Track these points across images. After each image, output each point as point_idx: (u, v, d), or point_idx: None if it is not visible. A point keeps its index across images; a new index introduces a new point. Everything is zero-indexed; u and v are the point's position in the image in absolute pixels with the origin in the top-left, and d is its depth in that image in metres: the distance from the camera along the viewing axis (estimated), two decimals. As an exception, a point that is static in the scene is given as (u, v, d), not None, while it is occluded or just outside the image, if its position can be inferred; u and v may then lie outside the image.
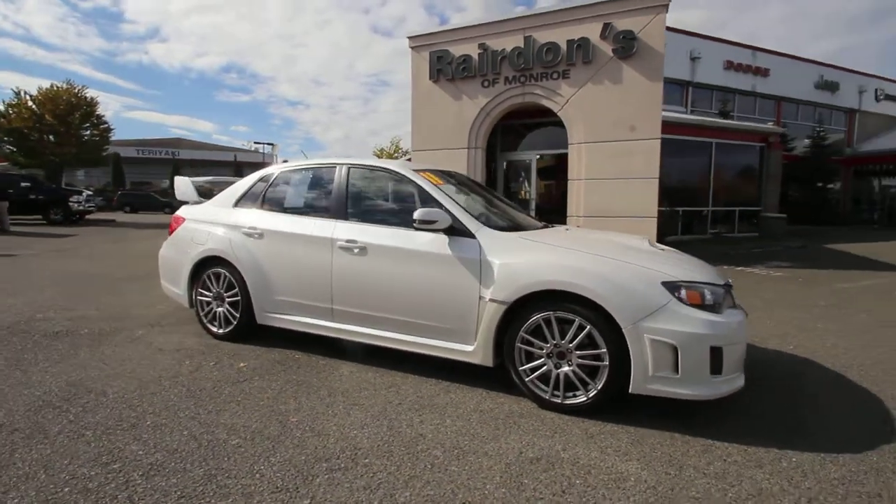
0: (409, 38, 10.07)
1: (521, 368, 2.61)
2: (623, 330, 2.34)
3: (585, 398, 2.47)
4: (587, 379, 2.47)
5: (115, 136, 27.74)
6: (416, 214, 2.76)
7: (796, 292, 6.26)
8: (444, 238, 2.82)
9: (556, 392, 2.53)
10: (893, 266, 8.74)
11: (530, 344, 2.58)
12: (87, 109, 24.94)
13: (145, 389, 2.73)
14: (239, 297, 3.52)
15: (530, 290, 2.51)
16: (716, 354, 2.30)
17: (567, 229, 3.41)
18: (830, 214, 20.17)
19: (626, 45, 8.13)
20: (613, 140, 8.44)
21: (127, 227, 16.81)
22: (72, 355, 3.28)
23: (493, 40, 9.21)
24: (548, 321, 2.52)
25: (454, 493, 1.83)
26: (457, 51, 9.51)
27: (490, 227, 2.88)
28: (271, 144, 45.67)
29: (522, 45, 8.91)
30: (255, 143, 45.01)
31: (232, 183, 4.15)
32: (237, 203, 3.72)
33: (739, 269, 8.34)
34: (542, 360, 2.55)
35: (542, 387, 2.57)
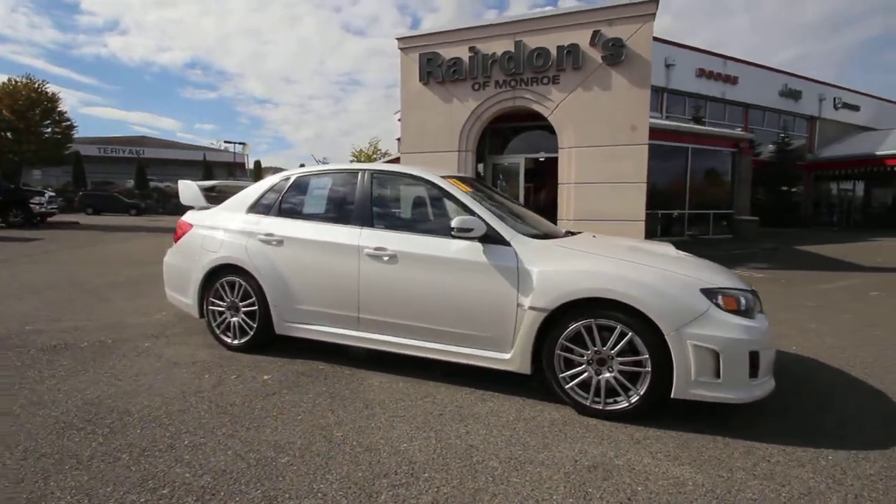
0: (398, 39, 10.00)
1: (561, 376, 2.62)
2: (666, 336, 2.39)
3: (627, 404, 2.50)
4: (628, 385, 2.51)
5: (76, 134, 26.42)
6: (455, 223, 2.74)
7: (782, 294, 6.55)
8: (478, 246, 2.81)
9: (596, 398, 2.56)
10: (861, 267, 9.26)
11: (570, 351, 2.60)
12: (47, 105, 23.67)
13: (171, 406, 2.60)
14: (256, 307, 3.41)
15: (573, 298, 2.53)
16: (754, 358, 2.38)
17: (594, 236, 3.45)
18: (794, 217, 21.22)
19: (615, 53, 8.32)
20: (603, 145, 8.62)
21: (94, 231, 16.05)
22: (79, 371, 3.10)
23: (483, 44, 9.26)
24: (588, 328, 2.54)
25: (524, 505, 1.83)
26: (447, 53, 9.51)
27: (522, 234, 2.89)
28: (243, 144, 44.49)
29: (513, 50, 8.99)
30: (226, 141, 43.75)
31: (239, 187, 4.03)
32: (251, 209, 3.60)
33: (723, 270, 8.64)
34: (583, 366, 2.58)
35: (583, 393, 2.59)
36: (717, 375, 2.36)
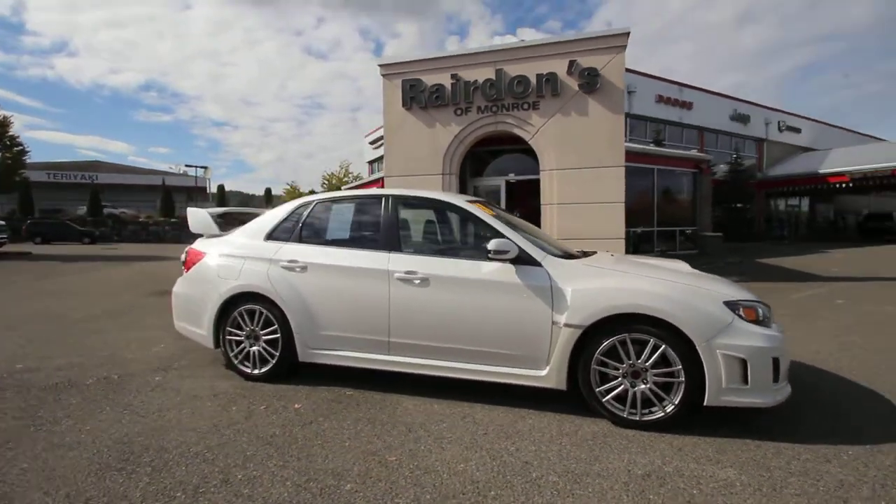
0: (381, 65, 10.21)
1: (597, 390, 2.73)
2: (697, 347, 2.55)
3: (663, 413, 2.63)
4: (662, 395, 2.64)
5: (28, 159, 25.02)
6: (492, 245, 2.84)
7: (759, 303, 6.96)
8: (510, 267, 2.91)
9: (632, 410, 2.68)
10: (821, 277, 9.97)
11: (605, 365, 2.72)
12: (-4, 130, 22.38)
13: (209, 440, 2.52)
14: (278, 335, 3.36)
15: (609, 314, 2.66)
16: (775, 364, 2.57)
17: (612, 255, 3.62)
18: (748, 233, 22.60)
19: (591, 81, 8.81)
20: (582, 167, 9.02)
21: (49, 261, 15.10)
22: (95, 410, 2.95)
23: (465, 71, 9.58)
24: (623, 342, 2.67)
25: (595, 516, 1.89)
26: (429, 80, 9.77)
27: (551, 255, 3.01)
28: (204, 168, 43.21)
29: (494, 77, 9.35)
30: (187, 165, 42.26)
31: (252, 214, 4.00)
32: (269, 236, 3.58)
33: (698, 283, 9.10)
34: (619, 380, 2.70)
35: (618, 405, 2.70)
36: (746, 382, 2.53)
